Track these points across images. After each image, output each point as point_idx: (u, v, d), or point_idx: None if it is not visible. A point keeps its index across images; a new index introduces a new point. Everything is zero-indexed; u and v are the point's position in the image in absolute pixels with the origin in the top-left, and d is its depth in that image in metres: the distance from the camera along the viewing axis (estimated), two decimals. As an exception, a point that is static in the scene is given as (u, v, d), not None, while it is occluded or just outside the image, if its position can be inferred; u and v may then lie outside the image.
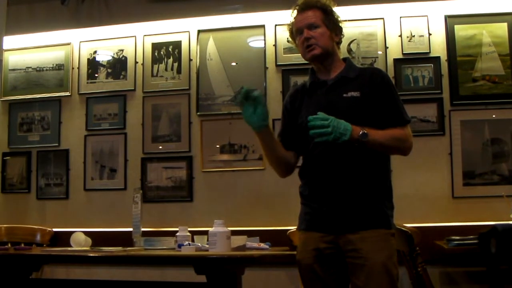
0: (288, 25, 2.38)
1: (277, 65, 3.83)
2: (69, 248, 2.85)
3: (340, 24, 2.36)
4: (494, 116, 3.54)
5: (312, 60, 2.31)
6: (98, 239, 3.14)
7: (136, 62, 4.05)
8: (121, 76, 4.08)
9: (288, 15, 2.38)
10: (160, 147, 3.96)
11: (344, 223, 2.17)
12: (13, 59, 4.28)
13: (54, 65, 4.20)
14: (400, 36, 3.69)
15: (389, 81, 2.30)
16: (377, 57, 3.69)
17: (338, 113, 2.18)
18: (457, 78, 3.59)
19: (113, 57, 4.12)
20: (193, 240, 2.59)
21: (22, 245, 2.89)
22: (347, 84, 2.26)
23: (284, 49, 3.78)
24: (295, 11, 2.34)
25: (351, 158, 2.19)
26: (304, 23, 2.28)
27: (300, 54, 2.38)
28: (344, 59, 2.38)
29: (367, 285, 2.11)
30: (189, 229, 2.63)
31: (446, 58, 3.62)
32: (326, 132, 2.05)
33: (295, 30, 2.33)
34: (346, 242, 2.16)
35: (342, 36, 2.38)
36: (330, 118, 2.07)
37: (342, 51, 3.65)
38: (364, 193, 2.19)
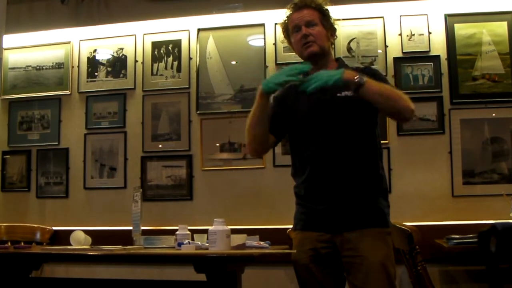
0: (282, 23, 2.37)
1: (277, 64, 3.82)
2: (69, 247, 2.85)
3: (335, 25, 2.35)
4: (494, 115, 3.55)
5: (309, 58, 2.29)
6: (98, 237, 3.13)
7: (136, 61, 4.05)
8: (121, 75, 4.08)
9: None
10: (160, 146, 3.96)
11: (341, 222, 2.17)
12: (13, 58, 4.27)
13: (54, 63, 4.20)
14: (400, 34, 3.69)
15: (381, 74, 2.30)
16: (377, 56, 3.69)
17: (332, 112, 2.20)
18: (457, 76, 3.60)
19: (113, 55, 4.12)
20: (193, 239, 2.58)
21: (22, 243, 2.87)
22: None
23: (284, 47, 3.77)
24: (290, 10, 2.32)
25: (345, 157, 2.19)
26: (303, 20, 2.26)
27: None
28: (337, 59, 2.38)
29: (365, 284, 2.11)
30: (189, 227, 2.63)
31: (446, 56, 3.63)
32: (311, 83, 2.04)
33: (292, 27, 2.30)
34: (343, 241, 2.17)
35: (335, 37, 2.37)
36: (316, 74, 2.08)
37: (342, 50, 3.69)
38: (360, 192, 2.19)
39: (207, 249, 2.30)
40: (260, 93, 2.19)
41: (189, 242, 2.47)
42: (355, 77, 2.05)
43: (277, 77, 2.17)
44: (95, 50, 4.16)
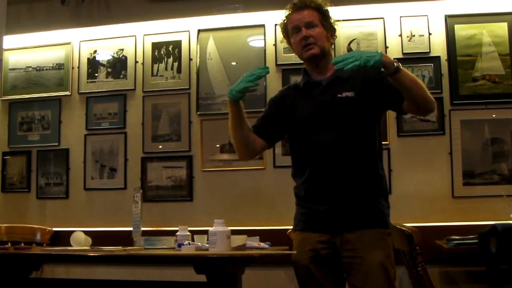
0: (281, 23, 2.36)
1: (277, 65, 3.83)
2: (69, 248, 2.85)
3: (335, 26, 2.34)
4: (494, 115, 3.54)
5: (309, 60, 2.29)
6: (98, 238, 3.13)
7: (136, 62, 4.05)
8: (121, 76, 4.08)
9: (288, 16, 2.38)
10: (160, 147, 3.96)
11: (341, 223, 2.18)
12: (13, 59, 4.28)
13: (54, 64, 4.20)
14: (400, 35, 3.69)
15: (381, 73, 2.29)
16: (377, 57, 3.68)
17: (333, 113, 2.20)
18: (457, 77, 3.59)
19: (113, 56, 4.12)
20: (193, 240, 2.58)
21: (22, 244, 2.87)
22: (341, 84, 2.25)
23: (284, 48, 3.77)
24: (289, 10, 2.32)
25: (345, 158, 2.19)
26: (302, 21, 2.26)
27: (298, 53, 2.38)
28: None
29: (365, 285, 2.12)
30: (189, 228, 2.63)
31: (446, 57, 3.63)
32: (350, 61, 1.98)
33: (291, 28, 2.30)
34: (343, 242, 2.17)
35: (335, 37, 2.37)
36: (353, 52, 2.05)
37: (342, 51, 3.69)
38: (360, 193, 2.19)
39: (207, 250, 2.30)
40: (228, 101, 2.24)
41: (189, 243, 2.47)
42: (394, 61, 2.04)
43: (238, 85, 2.20)
44: (95, 51, 4.16)
